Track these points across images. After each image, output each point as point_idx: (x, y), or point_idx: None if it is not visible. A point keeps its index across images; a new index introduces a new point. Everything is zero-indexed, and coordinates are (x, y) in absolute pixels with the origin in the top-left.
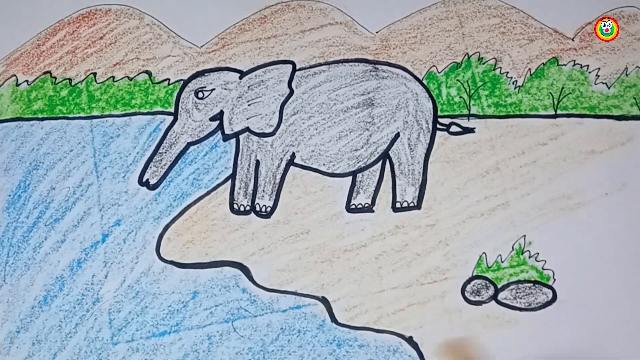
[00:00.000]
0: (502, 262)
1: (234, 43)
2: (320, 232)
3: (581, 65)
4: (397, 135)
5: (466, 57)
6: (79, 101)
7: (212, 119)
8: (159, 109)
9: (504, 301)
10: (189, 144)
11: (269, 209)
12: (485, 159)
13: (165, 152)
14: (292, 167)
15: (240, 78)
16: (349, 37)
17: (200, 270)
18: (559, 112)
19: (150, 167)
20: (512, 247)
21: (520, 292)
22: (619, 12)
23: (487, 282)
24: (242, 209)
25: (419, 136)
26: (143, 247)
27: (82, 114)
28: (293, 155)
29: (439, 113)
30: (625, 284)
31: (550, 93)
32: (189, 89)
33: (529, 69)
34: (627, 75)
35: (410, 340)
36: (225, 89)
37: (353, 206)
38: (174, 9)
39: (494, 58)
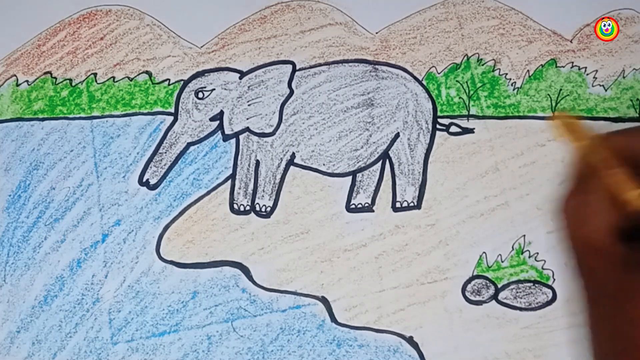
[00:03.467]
0: (502, 261)
1: (234, 43)
2: (320, 232)
3: (579, 67)
4: (397, 135)
5: (465, 58)
6: (79, 101)
7: (212, 119)
8: (159, 109)
9: (505, 301)
10: (189, 144)
11: (269, 209)
12: (484, 159)
13: (165, 152)
14: (292, 167)
15: (240, 78)
16: (349, 38)
17: (200, 270)
18: (557, 114)
19: (150, 167)
20: (512, 247)
21: (520, 292)
22: (616, 14)
23: (488, 281)
24: (242, 209)
25: (418, 136)
26: (143, 247)
27: (82, 114)
28: (293, 155)
29: (439, 113)
30: None
31: (549, 95)
32: (189, 89)
33: (528, 70)
34: (624, 77)
35: (410, 340)
36: (225, 89)
37: (353, 206)
38: (174, 9)
39: (493, 59)
